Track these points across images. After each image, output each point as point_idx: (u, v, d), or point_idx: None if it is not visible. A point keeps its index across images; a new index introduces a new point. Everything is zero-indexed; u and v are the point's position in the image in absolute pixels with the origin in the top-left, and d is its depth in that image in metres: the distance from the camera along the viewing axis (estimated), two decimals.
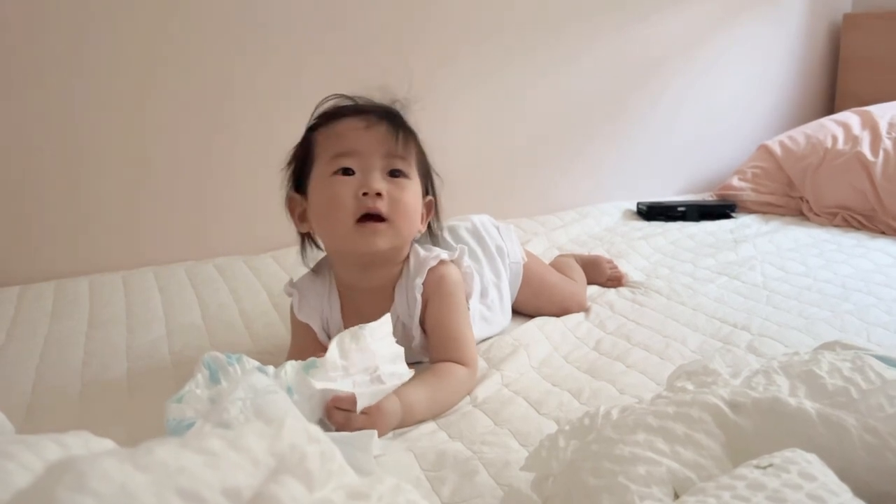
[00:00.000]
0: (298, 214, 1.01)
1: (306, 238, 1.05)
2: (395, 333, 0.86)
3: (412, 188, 0.97)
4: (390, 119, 0.97)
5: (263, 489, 0.34)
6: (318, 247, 1.05)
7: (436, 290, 0.99)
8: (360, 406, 0.78)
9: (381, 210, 0.93)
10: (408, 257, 1.01)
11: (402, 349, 0.84)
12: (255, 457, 0.34)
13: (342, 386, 0.77)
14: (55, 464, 0.31)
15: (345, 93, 1.01)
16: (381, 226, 0.94)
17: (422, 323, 1.00)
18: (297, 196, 1.01)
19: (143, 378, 1.06)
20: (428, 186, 1.03)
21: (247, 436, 0.35)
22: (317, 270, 1.05)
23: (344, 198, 0.93)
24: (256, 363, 0.76)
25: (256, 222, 1.67)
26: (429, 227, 1.05)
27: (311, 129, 1.00)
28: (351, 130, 0.95)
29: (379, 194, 0.93)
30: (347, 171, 0.94)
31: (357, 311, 0.99)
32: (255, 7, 1.63)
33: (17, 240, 1.55)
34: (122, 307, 1.36)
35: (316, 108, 1.01)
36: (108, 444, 0.46)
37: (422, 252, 1.01)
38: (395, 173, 0.96)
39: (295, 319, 1.02)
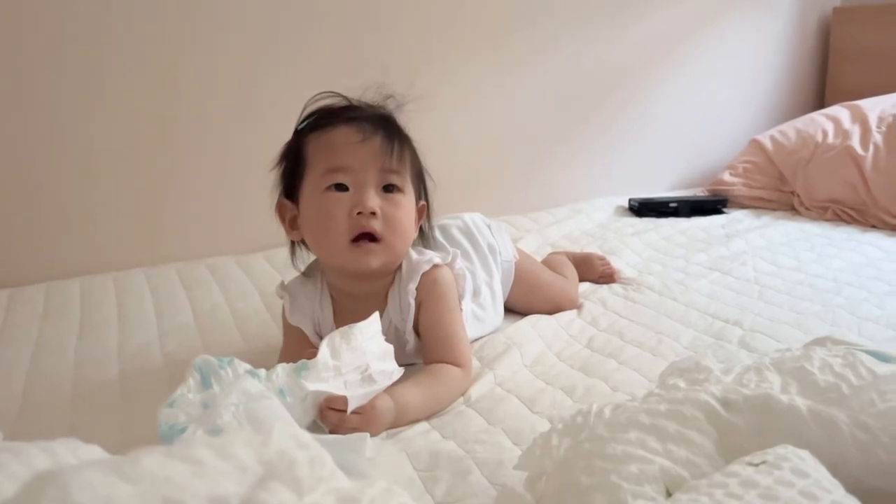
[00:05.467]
0: (289, 221, 0.99)
1: (296, 242, 1.03)
2: (388, 338, 0.85)
3: (406, 203, 0.96)
4: (385, 128, 0.95)
5: (251, 496, 0.34)
6: (308, 249, 1.03)
7: (429, 293, 0.98)
8: (350, 409, 0.78)
9: (375, 229, 0.92)
10: (400, 263, 1.00)
11: (391, 347, 0.84)
12: (242, 464, 0.34)
13: (334, 387, 0.77)
14: (38, 475, 0.30)
15: (337, 90, 0.99)
16: (375, 246, 0.93)
17: (415, 327, 1.00)
18: (287, 203, 0.99)
19: (136, 380, 1.05)
20: (421, 190, 1.02)
21: (234, 443, 0.35)
22: (307, 273, 1.04)
23: (338, 216, 0.92)
24: (248, 366, 0.75)
25: (248, 222, 1.66)
26: (420, 229, 1.04)
27: (302, 132, 0.98)
28: (345, 144, 0.93)
29: (373, 213, 0.92)
30: (341, 187, 0.93)
31: (349, 315, 0.97)
32: (249, 4, 1.63)
33: (7, 242, 1.53)
34: (113, 309, 1.35)
35: (305, 107, 0.98)
36: (97, 450, 0.46)
37: (414, 256, 1.00)
38: (389, 188, 0.94)
39: (286, 322, 1.02)
